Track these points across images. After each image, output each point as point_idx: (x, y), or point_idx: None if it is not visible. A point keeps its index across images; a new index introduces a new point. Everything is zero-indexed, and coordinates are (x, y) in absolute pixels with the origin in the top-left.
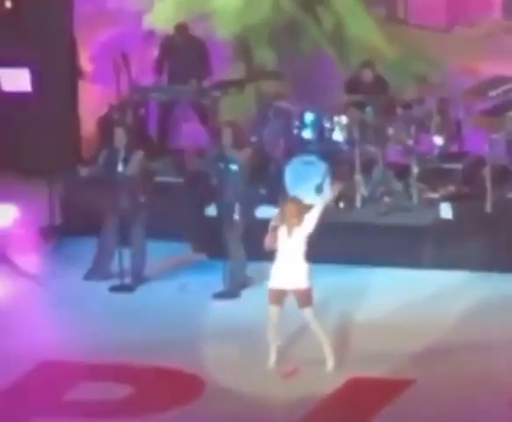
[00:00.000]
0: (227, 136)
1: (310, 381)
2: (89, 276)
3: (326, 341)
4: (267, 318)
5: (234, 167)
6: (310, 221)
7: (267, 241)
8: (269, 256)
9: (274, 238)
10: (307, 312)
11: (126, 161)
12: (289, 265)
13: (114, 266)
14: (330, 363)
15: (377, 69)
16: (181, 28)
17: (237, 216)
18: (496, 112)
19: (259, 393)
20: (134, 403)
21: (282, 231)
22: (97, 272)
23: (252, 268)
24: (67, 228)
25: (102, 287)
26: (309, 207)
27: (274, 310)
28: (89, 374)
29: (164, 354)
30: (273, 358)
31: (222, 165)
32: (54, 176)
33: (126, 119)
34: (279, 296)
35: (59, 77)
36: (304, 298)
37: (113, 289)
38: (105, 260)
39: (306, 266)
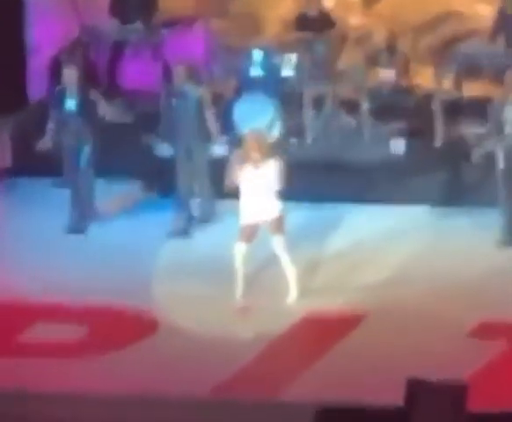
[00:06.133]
0: (179, 74)
1: (266, 317)
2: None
3: (293, 272)
4: (236, 256)
5: (188, 104)
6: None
7: (229, 179)
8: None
9: (236, 175)
10: (278, 240)
11: (76, 101)
12: (260, 198)
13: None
14: (293, 294)
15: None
16: None
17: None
18: (445, 47)
19: (214, 331)
20: (88, 344)
21: (247, 167)
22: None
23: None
24: (18, 169)
25: (54, 227)
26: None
27: (244, 248)
28: (42, 315)
29: (116, 293)
30: (240, 293)
31: (175, 103)
32: (4, 116)
33: (75, 59)
34: (252, 231)
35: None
36: (277, 225)
37: (66, 230)
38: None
39: (276, 196)
